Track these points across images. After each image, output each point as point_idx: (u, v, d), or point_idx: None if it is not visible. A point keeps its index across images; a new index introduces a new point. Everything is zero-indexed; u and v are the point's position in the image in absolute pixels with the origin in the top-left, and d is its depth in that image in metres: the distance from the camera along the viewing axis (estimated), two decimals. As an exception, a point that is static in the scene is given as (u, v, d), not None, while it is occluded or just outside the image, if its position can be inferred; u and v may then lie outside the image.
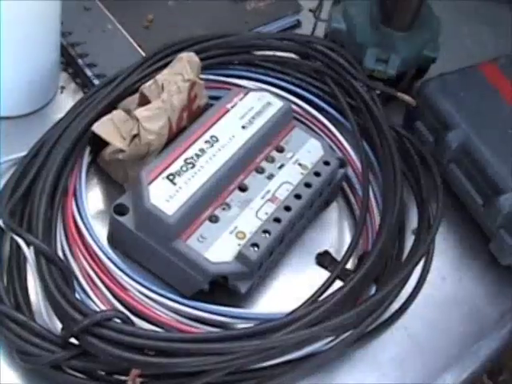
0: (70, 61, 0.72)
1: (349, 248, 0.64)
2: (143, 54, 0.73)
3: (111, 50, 0.74)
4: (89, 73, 0.71)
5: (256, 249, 0.58)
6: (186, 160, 0.60)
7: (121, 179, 0.65)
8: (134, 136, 0.60)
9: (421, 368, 0.63)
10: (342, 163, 0.69)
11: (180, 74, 0.63)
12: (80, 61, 0.72)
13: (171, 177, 0.59)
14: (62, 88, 0.72)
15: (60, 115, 0.66)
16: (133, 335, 0.51)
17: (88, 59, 0.72)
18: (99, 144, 0.63)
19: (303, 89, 0.75)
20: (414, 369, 0.63)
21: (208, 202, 0.60)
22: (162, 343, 0.51)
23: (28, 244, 0.55)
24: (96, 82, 0.70)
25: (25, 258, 0.56)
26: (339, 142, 0.72)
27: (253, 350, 0.52)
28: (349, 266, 0.64)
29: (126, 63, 0.68)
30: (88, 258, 0.58)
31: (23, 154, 0.63)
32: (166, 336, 0.52)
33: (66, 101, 0.71)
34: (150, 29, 0.77)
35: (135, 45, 0.74)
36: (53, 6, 0.64)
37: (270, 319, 0.55)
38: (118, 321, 0.51)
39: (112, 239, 0.61)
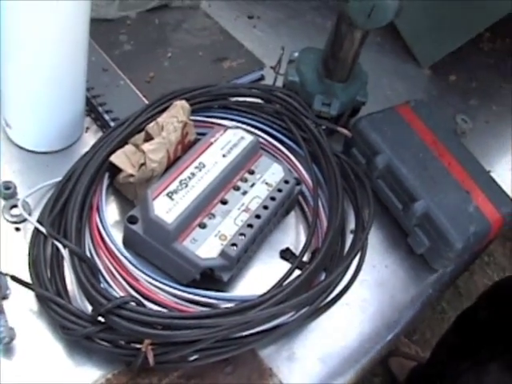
0: (92, 108, 0.71)
1: (304, 245, 0.64)
2: (146, 102, 0.71)
3: (123, 99, 0.72)
4: (106, 117, 0.70)
5: (235, 248, 0.58)
6: (180, 181, 0.60)
7: (131, 197, 0.64)
8: (142, 164, 0.60)
9: (358, 334, 0.63)
10: (298, 182, 0.68)
11: (175, 117, 0.63)
12: (100, 108, 0.71)
13: (170, 194, 0.59)
14: (87, 129, 0.71)
15: (86, 149, 0.65)
16: (144, 314, 0.51)
17: (106, 107, 0.71)
18: (115, 171, 0.63)
19: (267, 126, 0.73)
20: (353, 334, 0.63)
21: (198, 212, 0.59)
22: (166, 320, 0.51)
23: (64, 247, 0.55)
24: (112, 123, 0.69)
25: (62, 257, 0.56)
26: (295, 165, 0.71)
27: (234, 324, 0.52)
28: (305, 258, 0.63)
29: (134, 109, 0.67)
30: (109, 256, 0.57)
31: (58, 179, 0.62)
32: (168, 314, 0.52)
33: (90, 138, 0.69)
34: (151, 83, 0.76)
35: (141, 95, 0.73)
36: (80, 69, 0.64)
37: (247, 300, 0.55)
38: (133, 304, 0.52)
39: (126, 242, 0.61)
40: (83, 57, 0.63)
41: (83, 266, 0.54)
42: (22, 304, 0.56)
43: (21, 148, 0.67)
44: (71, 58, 0.61)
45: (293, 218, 0.70)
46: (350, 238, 0.68)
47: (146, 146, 0.60)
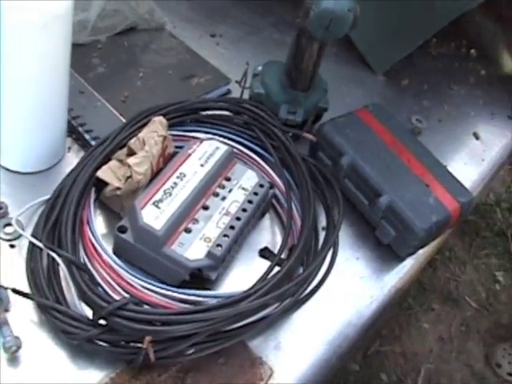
0: (73, 129, 0.74)
1: (282, 243, 0.68)
2: (124, 120, 0.75)
3: (101, 119, 0.76)
4: (87, 136, 0.73)
5: (220, 248, 0.62)
6: (165, 191, 0.64)
7: (118, 209, 0.67)
8: (128, 177, 0.64)
9: (337, 321, 0.68)
10: (271, 186, 0.73)
11: (155, 132, 0.67)
12: (80, 128, 0.74)
13: (156, 203, 0.63)
14: (69, 148, 0.74)
15: (69, 168, 0.68)
16: (143, 313, 0.55)
17: (86, 127, 0.74)
18: (101, 186, 0.66)
19: (238, 136, 0.77)
20: (332, 322, 0.68)
21: (183, 218, 0.64)
22: (164, 317, 0.56)
23: (61, 257, 0.59)
24: (93, 142, 0.72)
25: (58, 268, 0.59)
26: (267, 171, 0.75)
27: (225, 316, 0.57)
28: (282, 256, 0.67)
29: (113, 128, 0.71)
30: (103, 265, 0.60)
31: (47, 197, 0.65)
32: (166, 311, 0.57)
33: (73, 158, 0.73)
34: (126, 102, 0.79)
35: (118, 114, 0.77)
36: (62, 93, 0.68)
37: (233, 295, 0.60)
38: (131, 305, 0.56)
39: (117, 251, 0.64)
40: (65, 82, 0.67)
41: (81, 273, 0.58)
42: (24, 315, 0.59)
43: (7, 170, 0.70)
44: (54, 83, 0.66)
45: (268, 220, 0.75)
46: (322, 235, 0.73)
47: (131, 160, 0.64)
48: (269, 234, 0.74)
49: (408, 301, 1.89)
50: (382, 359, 1.76)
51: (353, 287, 0.72)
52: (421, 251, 0.78)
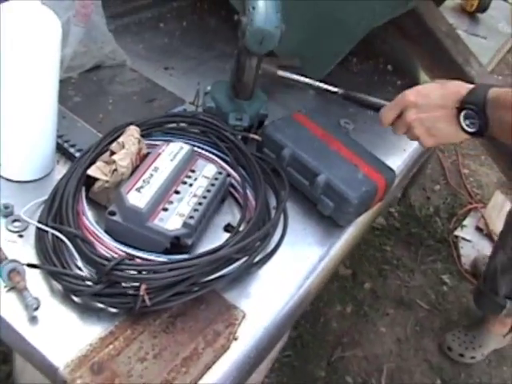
0: (59, 146, 0.88)
1: (241, 217, 0.84)
2: (100, 136, 0.89)
3: (82, 136, 0.90)
4: (71, 150, 0.88)
5: (192, 219, 0.77)
6: (144, 180, 0.79)
7: (104, 202, 0.82)
8: (114, 170, 0.79)
9: (294, 271, 0.84)
10: (228, 175, 0.89)
11: (132, 135, 0.82)
12: (65, 144, 0.89)
13: (138, 189, 0.78)
14: (58, 161, 0.89)
15: (60, 176, 0.82)
16: (138, 265, 0.70)
17: (70, 143, 0.89)
18: (89, 184, 0.82)
19: (197, 141, 0.93)
20: (291, 273, 0.83)
21: (161, 200, 0.79)
22: (156, 266, 0.70)
23: (64, 235, 0.73)
24: (77, 154, 0.87)
25: (61, 243, 0.73)
26: (224, 167, 0.91)
27: (206, 262, 0.72)
28: (241, 229, 0.82)
29: (92, 141, 0.86)
30: (98, 241, 0.75)
31: (45, 197, 0.80)
32: (156, 262, 0.72)
33: (62, 168, 0.87)
34: (101, 123, 0.94)
35: (95, 132, 0.92)
36: (53, 117, 0.83)
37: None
38: (127, 261, 0.70)
39: (107, 232, 0.76)
40: (54, 109, 0.84)
41: (84, 244, 0.72)
42: (37, 284, 0.72)
43: (9, 180, 0.85)
44: (47, 109, 0.82)
45: (228, 206, 0.91)
46: (272, 213, 0.88)
47: (116, 157, 0.80)
48: (230, 216, 0.89)
49: (364, 309, 2.05)
50: (346, 364, 1.90)
51: (303, 251, 0.88)
52: (358, 219, 0.94)
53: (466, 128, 0.86)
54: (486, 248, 2.27)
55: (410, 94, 0.90)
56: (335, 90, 1.13)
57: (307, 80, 1.15)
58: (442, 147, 2.80)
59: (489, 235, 2.35)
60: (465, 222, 2.44)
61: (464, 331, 1.98)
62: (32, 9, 0.75)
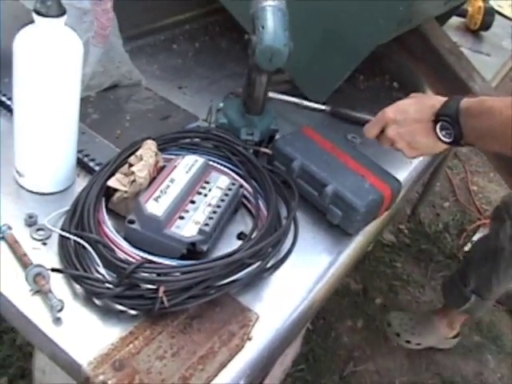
0: (79, 160, 0.93)
1: (253, 226, 0.88)
2: (118, 150, 0.94)
3: (101, 151, 0.95)
4: (91, 164, 0.93)
5: (207, 226, 0.82)
6: (161, 190, 0.84)
7: (123, 212, 0.85)
8: (133, 181, 0.84)
9: (302, 280, 0.88)
10: (240, 186, 0.94)
11: (149, 149, 0.87)
12: (85, 158, 0.94)
13: (156, 199, 0.82)
14: (78, 174, 0.93)
15: (80, 188, 0.87)
16: (156, 268, 0.74)
17: (89, 157, 0.94)
18: (109, 194, 0.86)
19: (211, 155, 0.98)
20: (303, 277, 0.87)
21: (177, 209, 0.83)
22: (173, 269, 0.75)
23: (86, 241, 0.77)
24: (96, 168, 0.92)
25: (83, 250, 0.77)
26: (237, 179, 0.94)
27: (220, 266, 0.76)
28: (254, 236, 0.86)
29: (111, 156, 0.90)
30: (118, 247, 0.79)
31: (67, 208, 0.85)
32: (172, 265, 0.76)
33: (82, 181, 0.92)
34: (119, 138, 1.00)
35: (113, 147, 0.97)
36: (74, 132, 0.88)
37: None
38: (146, 264, 0.75)
39: (127, 240, 0.80)
40: (76, 126, 0.88)
41: (106, 249, 0.76)
42: (61, 287, 0.77)
43: (32, 192, 0.89)
44: (69, 125, 0.87)
45: (241, 216, 0.95)
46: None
47: (135, 168, 0.84)
48: (243, 225, 0.93)
49: (375, 324, 2.07)
50: (359, 378, 1.93)
51: (313, 258, 0.92)
52: (366, 228, 0.98)
53: (443, 138, 0.92)
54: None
55: (389, 111, 0.96)
56: (323, 107, 1.18)
57: (295, 100, 1.20)
58: (450, 164, 2.84)
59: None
60: (474, 238, 2.47)
61: (410, 315, 2.03)
62: (56, 30, 0.80)
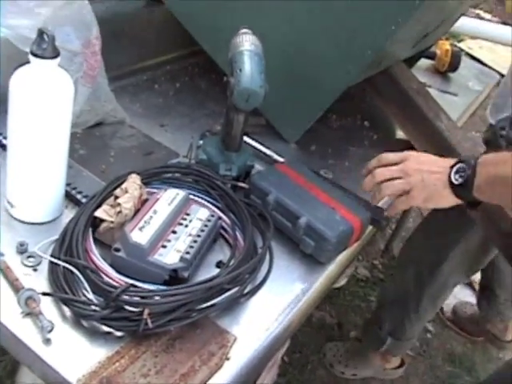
0: (67, 193, 1.00)
1: (230, 255, 0.95)
2: (103, 184, 1.01)
3: (87, 184, 1.02)
4: (78, 196, 1.00)
5: (188, 254, 0.89)
6: (145, 221, 0.91)
7: (109, 241, 0.92)
8: (119, 212, 0.91)
9: (276, 305, 0.95)
10: (219, 218, 1.01)
11: (134, 182, 0.95)
12: (73, 191, 1.00)
13: (140, 228, 0.89)
14: (66, 206, 1.00)
15: (68, 219, 0.93)
16: (141, 292, 0.81)
17: (76, 190, 1.01)
18: (96, 225, 0.93)
19: (191, 189, 1.05)
20: (277, 304, 0.94)
21: (160, 238, 0.90)
22: (156, 292, 0.81)
23: (75, 267, 0.84)
24: (83, 200, 0.99)
25: (72, 275, 0.84)
26: (215, 211, 1.02)
27: (201, 290, 0.83)
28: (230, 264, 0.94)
29: (97, 189, 0.97)
30: (105, 273, 0.86)
31: (56, 237, 0.91)
32: (157, 289, 0.82)
33: (70, 212, 0.98)
34: (104, 173, 1.07)
35: (99, 180, 1.04)
36: (63, 166, 0.95)
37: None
38: (132, 288, 0.81)
39: (113, 267, 0.87)
40: (65, 158, 0.96)
41: (94, 274, 0.83)
42: (50, 310, 0.83)
43: (23, 222, 0.96)
44: (59, 160, 0.94)
45: (219, 244, 1.02)
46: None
47: (121, 200, 0.92)
48: (221, 254, 1.00)
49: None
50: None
51: (288, 285, 0.99)
52: (337, 257, 1.06)
53: (454, 181, 0.97)
54: (468, 296, 2.38)
55: (410, 162, 1.02)
56: (281, 159, 1.25)
57: (257, 145, 1.27)
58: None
59: (469, 284, 2.46)
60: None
61: (347, 346, 2.09)
62: (50, 70, 0.88)
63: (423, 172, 1.00)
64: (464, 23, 1.99)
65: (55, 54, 0.87)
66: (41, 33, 0.87)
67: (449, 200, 1.00)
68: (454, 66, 2.10)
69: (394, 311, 1.86)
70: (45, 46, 0.86)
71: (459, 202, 0.99)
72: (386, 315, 1.88)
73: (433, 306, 1.84)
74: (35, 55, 0.86)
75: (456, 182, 0.97)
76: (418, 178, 1.00)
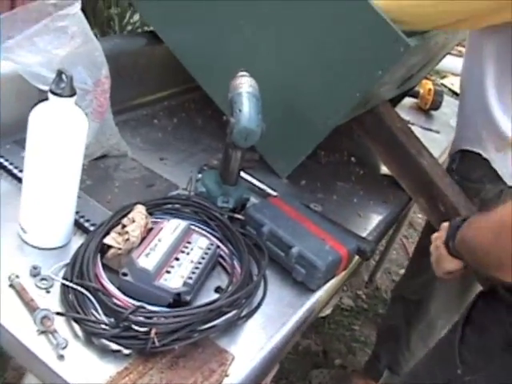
0: (76, 220, 1.08)
1: (228, 282, 1.04)
2: (109, 213, 1.11)
3: (95, 213, 1.11)
4: (86, 224, 1.09)
5: (191, 280, 0.98)
6: (151, 248, 1.00)
7: (116, 267, 1.01)
8: (126, 239, 1.00)
9: (271, 327, 1.04)
10: (217, 247, 1.11)
11: (140, 212, 1.04)
12: (81, 220, 1.09)
13: (146, 255, 0.98)
14: (75, 233, 1.09)
15: (77, 245, 1.02)
16: (149, 312, 0.90)
17: (85, 218, 1.10)
18: (104, 251, 1.02)
19: (191, 220, 1.15)
20: (270, 328, 1.03)
21: (164, 264, 0.99)
22: (163, 313, 0.90)
23: (87, 289, 0.93)
24: (91, 228, 1.08)
25: (82, 297, 0.93)
26: (214, 241, 1.11)
27: (203, 311, 0.92)
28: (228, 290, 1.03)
29: (104, 218, 1.06)
30: (114, 296, 0.95)
31: (67, 261, 1.00)
32: (163, 311, 0.91)
33: (79, 238, 1.07)
34: (110, 202, 1.16)
35: (105, 209, 1.13)
36: (74, 196, 1.04)
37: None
38: (140, 309, 0.90)
39: (120, 290, 0.96)
40: (76, 189, 1.05)
41: (105, 297, 0.92)
42: (64, 329, 0.91)
43: (35, 247, 1.05)
44: (71, 191, 1.03)
45: (217, 273, 1.11)
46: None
47: (129, 228, 1.01)
48: (219, 281, 1.09)
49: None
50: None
51: (281, 309, 1.08)
52: (326, 285, 1.15)
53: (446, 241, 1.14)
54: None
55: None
56: (274, 193, 1.35)
57: (252, 180, 1.36)
58: (405, 233, 3.05)
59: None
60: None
61: (331, 374, 2.15)
62: (67, 107, 0.97)
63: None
64: (447, 61, 2.11)
65: (72, 93, 0.97)
66: (60, 73, 0.96)
67: (448, 259, 1.16)
68: (436, 104, 2.23)
69: (388, 345, 1.95)
70: (63, 85, 0.96)
71: (459, 261, 1.14)
72: (382, 349, 1.98)
73: (424, 345, 1.83)
74: (54, 93, 0.96)
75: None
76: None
